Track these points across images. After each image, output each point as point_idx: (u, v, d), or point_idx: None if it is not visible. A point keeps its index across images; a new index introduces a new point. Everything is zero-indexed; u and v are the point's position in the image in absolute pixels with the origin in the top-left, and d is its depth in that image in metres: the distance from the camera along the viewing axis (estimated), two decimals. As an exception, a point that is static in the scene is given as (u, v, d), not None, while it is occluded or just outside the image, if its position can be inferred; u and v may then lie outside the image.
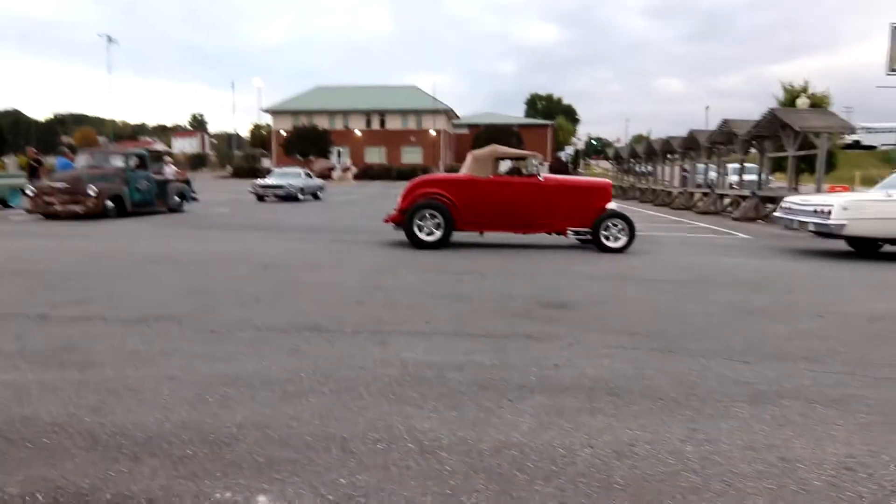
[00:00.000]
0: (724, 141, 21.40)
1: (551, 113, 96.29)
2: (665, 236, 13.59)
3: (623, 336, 4.91)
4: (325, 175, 53.48)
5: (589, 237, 10.71)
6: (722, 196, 21.53)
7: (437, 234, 10.37)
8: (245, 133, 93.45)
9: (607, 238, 10.51)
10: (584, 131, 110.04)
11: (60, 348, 4.27)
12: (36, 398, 3.36)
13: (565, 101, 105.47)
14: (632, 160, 35.62)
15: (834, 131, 16.71)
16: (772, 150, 19.13)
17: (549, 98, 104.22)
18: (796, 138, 16.82)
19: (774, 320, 5.61)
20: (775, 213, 12.48)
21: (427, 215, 10.38)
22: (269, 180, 26.00)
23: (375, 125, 69.20)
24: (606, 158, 49.76)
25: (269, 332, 4.79)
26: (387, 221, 11.00)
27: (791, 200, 11.56)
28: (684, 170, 27.08)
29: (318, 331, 4.84)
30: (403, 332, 4.87)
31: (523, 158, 11.19)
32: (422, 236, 10.37)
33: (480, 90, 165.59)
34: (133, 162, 16.51)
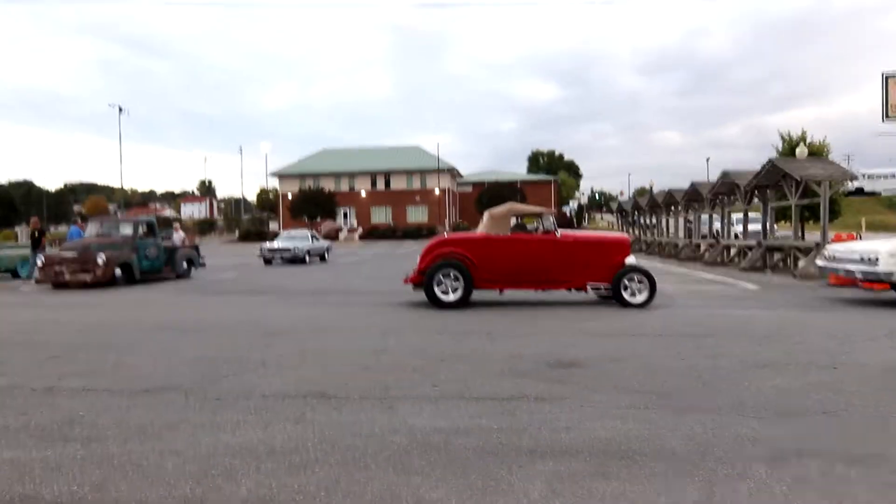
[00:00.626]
0: (727, 192, 21.56)
1: (553, 168, 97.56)
2: (674, 289, 13.51)
3: (634, 395, 4.83)
4: (332, 236, 53.98)
5: (609, 293, 10.66)
6: (728, 247, 21.53)
7: (457, 293, 10.40)
8: (252, 197, 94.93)
9: (628, 293, 10.44)
10: (587, 185, 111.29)
11: (65, 422, 4.23)
12: (38, 476, 3.31)
13: (567, 157, 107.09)
14: (636, 213, 35.82)
15: (835, 179, 16.82)
16: (774, 199, 19.23)
17: (550, 154, 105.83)
18: (798, 187, 16.93)
19: (787, 373, 5.51)
20: (817, 262, 12.28)
21: (447, 275, 10.43)
22: (276, 243, 26.19)
23: (381, 186, 70.15)
24: (609, 211, 50.03)
25: (275, 399, 4.74)
26: (407, 282, 11.07)
27: (834, 249, 11.50)
28: (688, 221, 27.17)
29: (325, 398, 4.78)
30: (410, 397, 4.81)
31: (539, 215, 11.28)
32: (441, 296, 10.40)
33: (483, 148, 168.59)
34: (142, 230, 16.74)
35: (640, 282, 10.48)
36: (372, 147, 76.87)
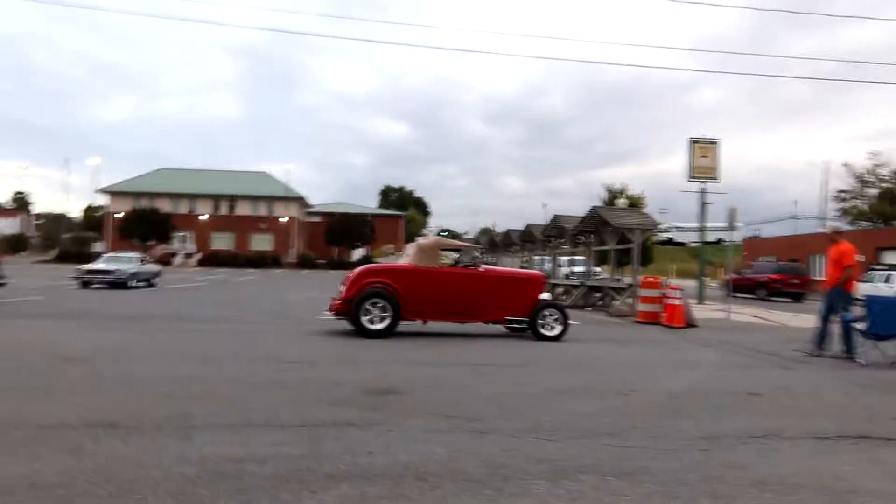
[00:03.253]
0: (556, 234, 23.19)
1: (404, 204, 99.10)
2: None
3: (442, 420, 4.95)
4: (166, 261, 50.41)
5: (524, 326, 10.96)
6: (556, 285, 23.05)
7: (384, 323, 10.21)
8: (78, 214, 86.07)
9: (543, 327, 10.83)
10: (435, 223, 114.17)
11: None
12: None
13: (417, 194, 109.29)
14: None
15: (645, 228, 18.76)
16: (596, 243, 20.99)
17: (401, 190, 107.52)
18: (615, 233, 18.64)
19: (585, 399, 5.96)
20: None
21: (374, 304, 10.24)
22: (96, 265, 23.93)
23: (224, 210, 66.96)
24: (455, 249, 51.73)
25: (52, 430, 4.27)
26: (331, 311, 10.78)
27: None
28: (524, 260, 28.79)
29: (112, 427, 4.38)
30: (212, 426, 4.55)
31: (459, 250, 11.54)
32: (369, 325, 10.16)
33: (335, 180, 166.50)
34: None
35: (554, 317, 10.95)
36: (215, 169, 73.17)
